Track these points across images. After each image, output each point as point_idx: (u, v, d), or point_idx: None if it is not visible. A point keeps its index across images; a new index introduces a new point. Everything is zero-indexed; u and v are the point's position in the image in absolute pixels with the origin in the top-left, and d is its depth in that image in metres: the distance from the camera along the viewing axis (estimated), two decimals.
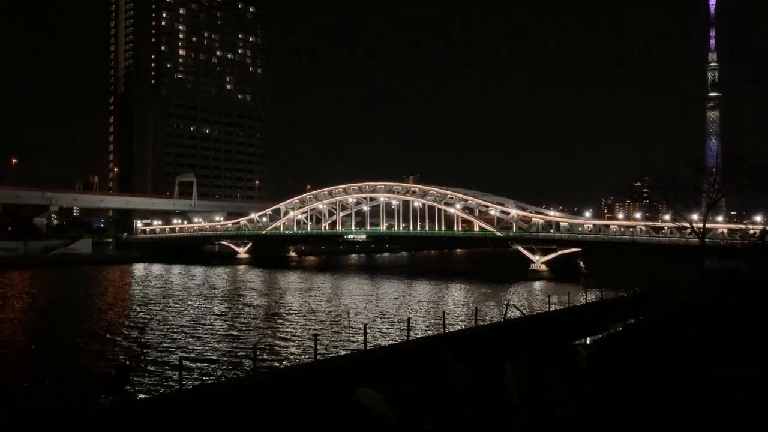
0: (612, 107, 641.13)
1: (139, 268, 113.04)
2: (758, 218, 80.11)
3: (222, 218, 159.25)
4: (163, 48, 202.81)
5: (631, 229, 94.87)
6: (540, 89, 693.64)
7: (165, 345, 38.69)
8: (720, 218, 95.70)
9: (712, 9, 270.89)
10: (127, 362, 10.37)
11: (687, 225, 57.82)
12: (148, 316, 51.96)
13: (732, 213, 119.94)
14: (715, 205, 54.34)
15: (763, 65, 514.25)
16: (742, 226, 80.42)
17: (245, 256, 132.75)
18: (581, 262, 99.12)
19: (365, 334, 27.18)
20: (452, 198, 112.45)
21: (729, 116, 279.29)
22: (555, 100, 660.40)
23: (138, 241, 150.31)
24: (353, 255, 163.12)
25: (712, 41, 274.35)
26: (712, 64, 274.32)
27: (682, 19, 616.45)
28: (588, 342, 34.72)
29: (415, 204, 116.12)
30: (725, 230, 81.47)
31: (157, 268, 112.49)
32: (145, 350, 35.66)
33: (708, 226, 61.23)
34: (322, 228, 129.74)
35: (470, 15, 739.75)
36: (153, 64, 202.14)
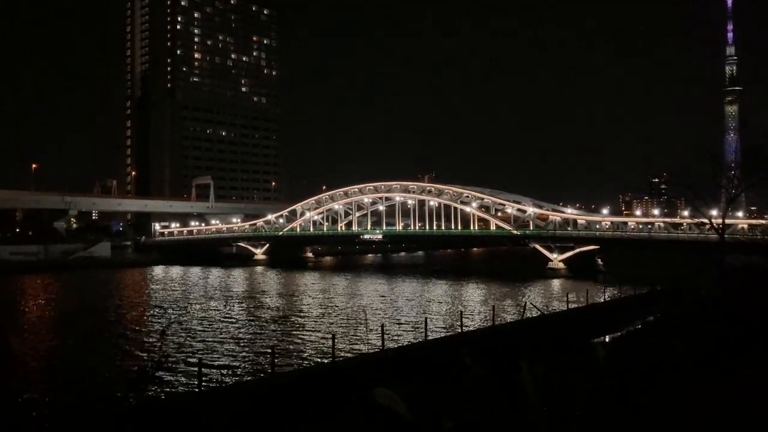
0: (626, 104, 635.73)
1: (157, 271, 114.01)
2: None
3: (239, 220, 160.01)
4: (178, 51, 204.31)
5: (649, 226, 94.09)
6: (551, 88, 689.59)
7: (185, 347, 39.04)
8: (740, 214, 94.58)
9: (729, 2, 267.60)
10: (150, 364, 10.55)
11: (706, 221, 57.24)
12: (167, 319, 52.46)
13: (752, 208, 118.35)
14: (734, 200, 53.77)
15: None
16: (763, 222, 79.62)
17: (262, 257, 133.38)
18: (599, 260, 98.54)
19: (383, 334, 27.27)
20: (468, 197, 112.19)
21: (746, 111, 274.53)
22: (568, 98, 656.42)
23: (156, 243, 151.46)
24: (369, 255, 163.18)
25: (730, 35, 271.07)
26: (731, 58, 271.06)
27: (689, 17, 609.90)
28: (607, 340, 34.55)
29: (431, 203, 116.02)
30: (745, 226, 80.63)
31: (175, 271, 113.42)
32: (166, 352, 36.00)
33: (727, 221, 60.58)
34: (338, 228, 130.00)
35: (480, 13, 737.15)
36: (169, 68, 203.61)
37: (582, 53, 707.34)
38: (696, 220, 70.44)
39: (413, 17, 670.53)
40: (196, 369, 27.01)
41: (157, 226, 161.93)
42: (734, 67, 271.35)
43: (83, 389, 28.24)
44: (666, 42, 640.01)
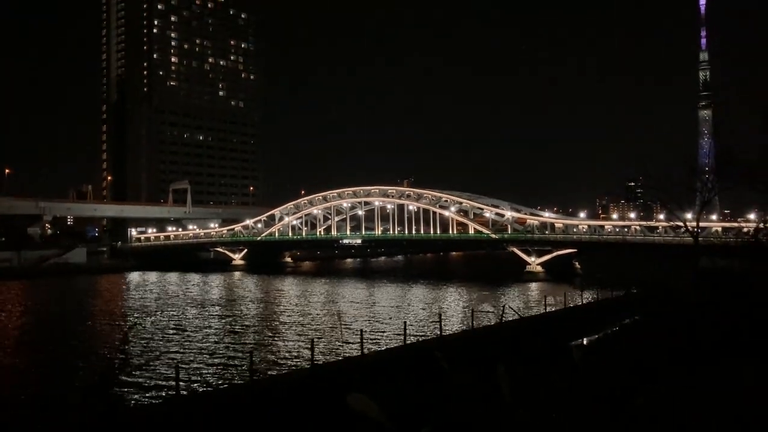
0: (605, 109, 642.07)
1: (134, 277, 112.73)
2: (752, 216, 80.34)
3: (217, 225, 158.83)
4: (155, 56, 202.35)
5: (625, 229, 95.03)
6: (531, 92, 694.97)
7: (161, 352, 38.55)
8: (714, 217, 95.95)
9: (703, 9, 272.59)
10: (114, 369, 10.28)
11: (681, 224, 57.91)
12: (143, 324, 51.82)
13: (726, 211, 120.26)
14: (708, 203, 54.42)
15: (753, 65, 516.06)
16: (736, 225, 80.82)
17: (241, 262, 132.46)
18: (577, 263, 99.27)
19: (362, 339, 27.21)
20: (447, 201, 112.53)
21: (721, 115, 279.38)
22: (547, 102, 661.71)
23: (133, 249, 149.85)
24: (349, 259, 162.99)
25: (703, 41, 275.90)
26: (704, 63, 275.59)
27: (671, 20, 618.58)
28: (584, 342, 34.78)
29: (410, 207, 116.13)
30: (719, 229, 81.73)
31: (152, 276, 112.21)
32: (140, 356, 35.56)
33: (702, 224, 61.39)
34: (317, 233, 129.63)
35: (459, 25, 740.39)
36: (145, 72, 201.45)
37: (569, 54, 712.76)
38: (671, 224, 71.27)
39: (397, 26, 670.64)
40: (171, 374, 26.70)
41: (133, 232, 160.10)
42: (707, 72, 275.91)
43: (47, 394, 27.70)
44: (651, 46, 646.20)
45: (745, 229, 73.46)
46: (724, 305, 17.34)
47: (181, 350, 39.86)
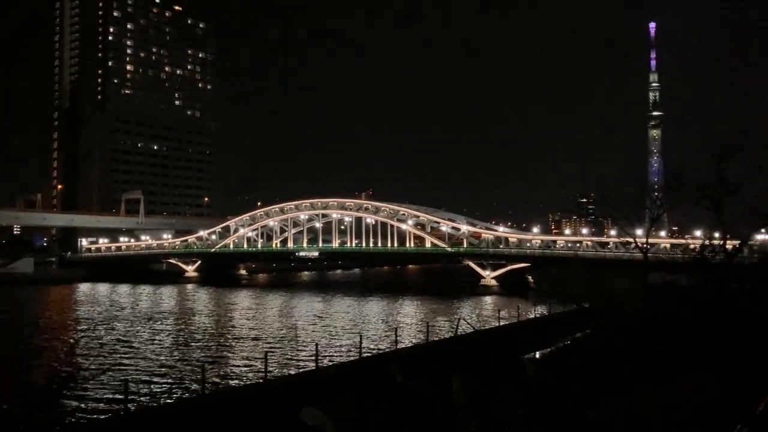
0: (559, 126, 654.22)
1: (83, 288, 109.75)
2: (698, 233, 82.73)
3: (170, 236, 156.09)
4: (110, 63, 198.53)
5: (577, 245, 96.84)
6: (489, 107, 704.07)
7: (110, 367, 37.51)
8: (663, 233, 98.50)
9: (653, 32, 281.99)
10: (61, 385, 9.87)
11: (631, 240, 59.15)
12: (91, 337, 50.41)
13: (674, 228, 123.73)
14: (657, 220, 55.71)
15: (700, 86, 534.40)
16: (683, 241, 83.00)
17: (194, 274, 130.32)
18: (530, 277, 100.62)
19: (317, 352, 26.98)
20: (404, 214, 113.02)
21: (669, 134, 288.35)
22: (502, 118, 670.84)
23: (83, 259, 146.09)
24: (305, 272, 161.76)
25: (653, 63, 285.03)
26: (654, 84, 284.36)
27: (627, 40, 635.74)
28: (537, 356, 35.19)
29: (368, 220, 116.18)
30: (668, 245, 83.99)
31: (102, 288, 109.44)
32: (87, 372, 34.53)
33: (651, 240, 62.82)
34: (273, 245, 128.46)
35: (414, 34, 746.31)
36: (99, 80, 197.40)
37: (524, 71, 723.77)
38: (622, 239, 72.70)
39: (347, 32, 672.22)
40: (120, 390, 26.00)
41: (84, 242, 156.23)
42: (657, 93, 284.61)
43: None
44: (610, 61, 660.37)
45: (692, 246, 75.57)
46: (672, 319, 17.78)
47: (131, 364, 38.86)
